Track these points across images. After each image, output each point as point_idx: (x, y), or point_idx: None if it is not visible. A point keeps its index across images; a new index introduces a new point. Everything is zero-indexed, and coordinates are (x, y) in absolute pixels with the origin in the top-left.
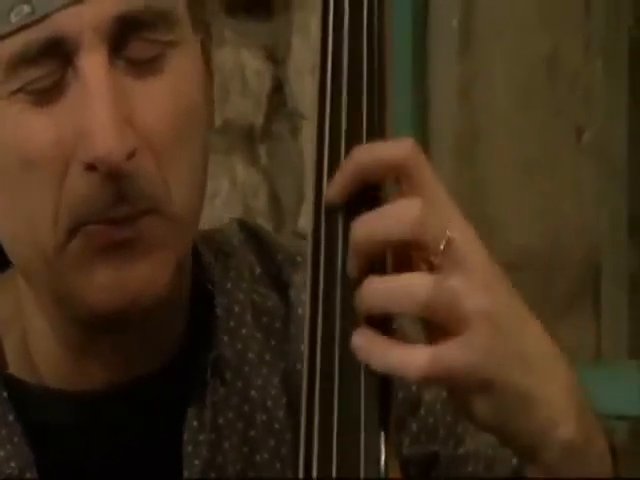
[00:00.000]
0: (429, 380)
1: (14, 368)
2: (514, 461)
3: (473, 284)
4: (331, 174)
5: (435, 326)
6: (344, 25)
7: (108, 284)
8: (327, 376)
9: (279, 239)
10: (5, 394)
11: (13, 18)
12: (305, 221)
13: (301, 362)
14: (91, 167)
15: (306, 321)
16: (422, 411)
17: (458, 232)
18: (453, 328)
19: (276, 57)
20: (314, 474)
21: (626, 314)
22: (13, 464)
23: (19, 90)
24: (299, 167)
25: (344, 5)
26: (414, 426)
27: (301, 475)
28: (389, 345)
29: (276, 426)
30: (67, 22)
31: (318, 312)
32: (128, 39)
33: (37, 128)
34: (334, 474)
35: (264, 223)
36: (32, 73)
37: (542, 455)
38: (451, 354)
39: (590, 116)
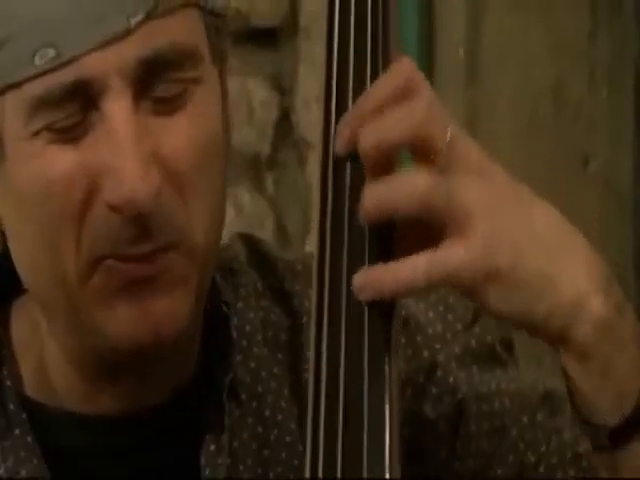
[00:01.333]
0: (431, 283)
1: (31, 390)
2: (539, 394)
3: (471, 178)
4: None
5: (436, 232)
6: (349, 51)
7: (130, 319)
8: (332, 378)
9: (278, 250)
10: (24, 416)
11: (37, 61)
12: (311, 248)
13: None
14: (116, 208)
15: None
16: (439, 373)
17: (456, 130)
18: (453, 228)
19: (282, 86)
20: (319, 474)
21: None
22: None
23: (42, 129)
24: (305, 196)
25: (349, 32)
26: (434, 390)
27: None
28: (384, 268)
29: (287, 439)
30: (92, 66)
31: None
32: (154, 80)
33: (62, 159)
34: (339, 475)
35: None
36: (54, 115)
37: (575, 333)
38: (446, 253)
39: (595, 146)
